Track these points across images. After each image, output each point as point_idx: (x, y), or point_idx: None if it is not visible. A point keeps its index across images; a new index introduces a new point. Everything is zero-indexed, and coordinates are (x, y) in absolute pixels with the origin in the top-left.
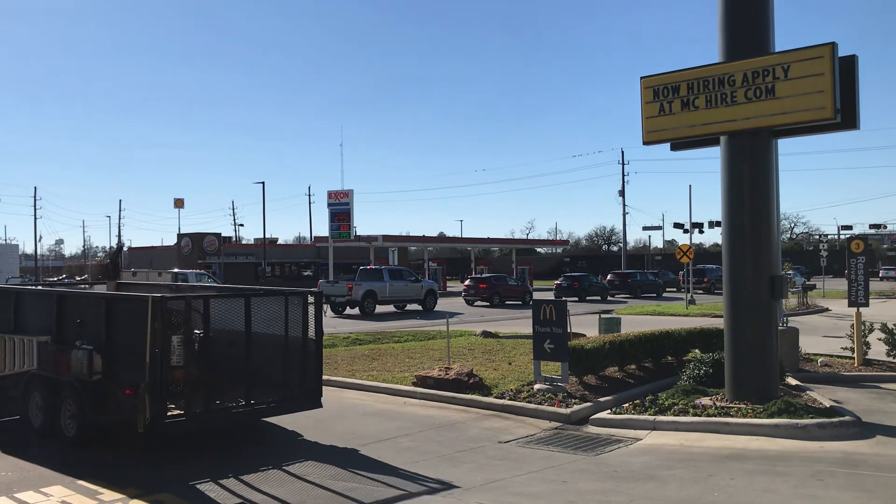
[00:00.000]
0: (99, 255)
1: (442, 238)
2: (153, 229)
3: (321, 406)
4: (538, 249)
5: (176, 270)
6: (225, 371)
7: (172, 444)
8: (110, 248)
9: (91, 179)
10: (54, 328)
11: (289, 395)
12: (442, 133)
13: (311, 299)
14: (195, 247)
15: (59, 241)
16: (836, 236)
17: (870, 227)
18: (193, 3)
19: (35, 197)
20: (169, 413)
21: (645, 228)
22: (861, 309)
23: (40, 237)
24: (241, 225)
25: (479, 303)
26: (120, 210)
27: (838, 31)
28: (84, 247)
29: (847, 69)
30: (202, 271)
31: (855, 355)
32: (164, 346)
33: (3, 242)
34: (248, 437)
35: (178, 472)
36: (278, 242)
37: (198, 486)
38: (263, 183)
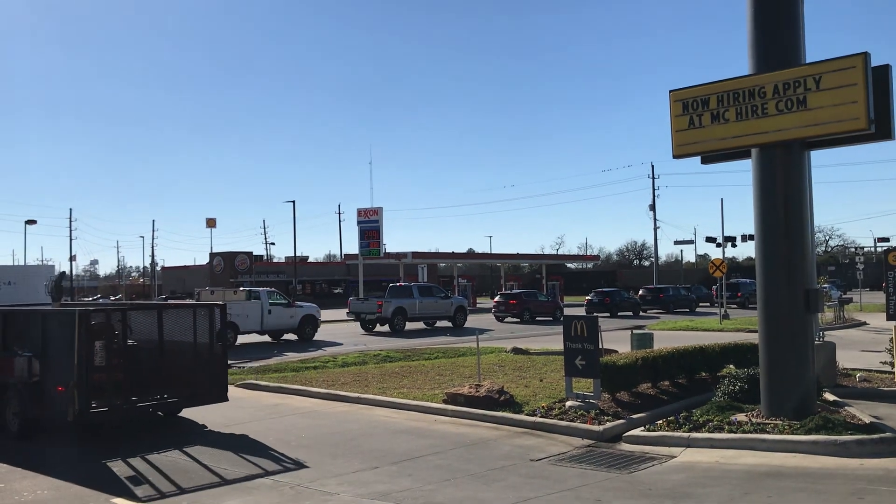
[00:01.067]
0: (133, 274)
1: (471, 254)
2: (186, 249)
3: (227, 400)
4: (568, 265)
5: (248, 288)
6: (142, 371)
7: (124, 433)
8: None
9: (125, 201)
10: (0, 340)
11: (198, 392)
12: (470, 149)
13: (217, 311)
14: (227, 266)
15: (94, 262)
16: (872, 249)
17: None
18: (223, 27)
19: (70, 218)
20: (93, 406)
21: (677, 243)
22: None
23: (74, 256)
24: (273, 244)
25: (509, 319)
26: (153, 230)
27: (871, 41)
28: (118, 267)
29: (881, 79)
30: (272, 289)
31: (895, 370)
32: (89, 350)
33: (40, 263)
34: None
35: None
36: (309, 260)
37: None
38: (294, 202)
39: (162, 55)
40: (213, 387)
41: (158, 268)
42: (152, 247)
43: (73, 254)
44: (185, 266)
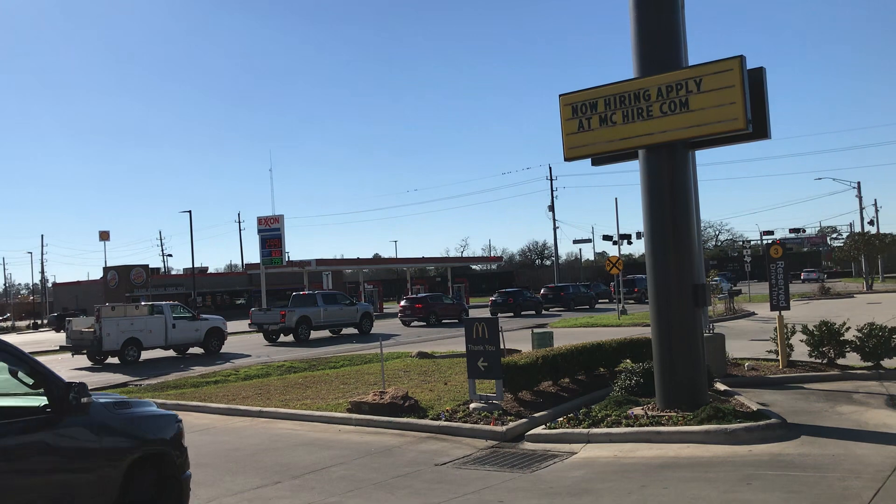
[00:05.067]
0: (22, 292)
1: (377, 259)
2: (78, 264)
3: None
4: (473, 266)
5: (153, 303)
6: None
7: None
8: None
9: (9, 215)
10: None
11: None
12: (372, 155)
13: None
14: (122, 280)
15: None
16: (759, 242)
17: (790, 231)
18: (114, 29)
19: None
20: None
21: (575, 242)
22: (783, 312)
23: None
24: (170, 255)
25: (415, 323)
26: (42, 245)
27: (751, 44)
28: (6, 284)
29: (756, 81)
30: (176, 302)
31: (779, 358)
32: None
33: None
34: None
35: None
36: (209, 271)
37: None
38: (190, 212)
39: (48, 59)
40: None
41: (49, 284)
42: (42, 262)
43: None
44: (77, 282)
